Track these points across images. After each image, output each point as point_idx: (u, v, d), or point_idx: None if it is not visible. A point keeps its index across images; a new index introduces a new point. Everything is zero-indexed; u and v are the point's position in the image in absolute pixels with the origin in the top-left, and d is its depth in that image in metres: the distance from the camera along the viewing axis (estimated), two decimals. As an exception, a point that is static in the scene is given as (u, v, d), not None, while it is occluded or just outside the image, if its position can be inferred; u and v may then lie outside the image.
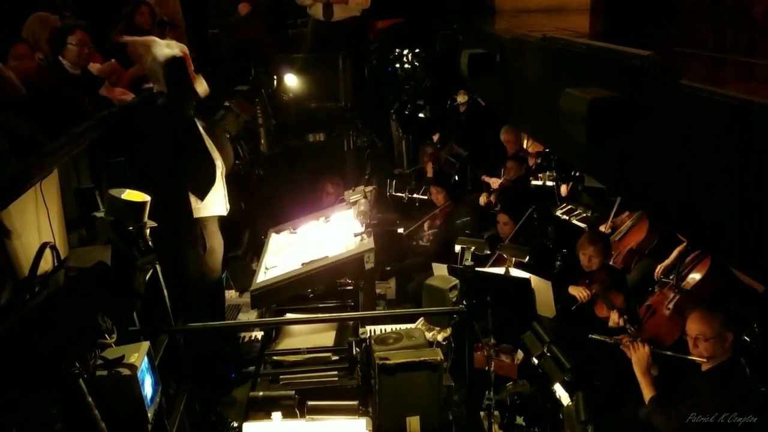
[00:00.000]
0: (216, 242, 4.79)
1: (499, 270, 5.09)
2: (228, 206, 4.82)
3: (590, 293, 4.94)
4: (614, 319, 4.63)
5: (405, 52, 9.19)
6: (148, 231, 3.34)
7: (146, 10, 6.49)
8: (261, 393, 3.79)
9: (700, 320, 3.65)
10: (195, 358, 4.24)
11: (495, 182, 7.20)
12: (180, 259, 4.34)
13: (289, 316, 4.73)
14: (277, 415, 3.54)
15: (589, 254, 5.08)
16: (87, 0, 6.52)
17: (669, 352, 3.98)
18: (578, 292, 5.03)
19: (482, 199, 7.14)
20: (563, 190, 6.43)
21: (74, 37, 4.72)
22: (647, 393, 3.87)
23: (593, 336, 4.40)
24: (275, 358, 4.16)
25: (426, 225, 7.19)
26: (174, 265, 4.29)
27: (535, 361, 3.97)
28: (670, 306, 4.58)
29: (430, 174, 8.05)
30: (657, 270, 5.03)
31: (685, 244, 4.92)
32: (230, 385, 4.63)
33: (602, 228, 5.83)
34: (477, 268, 4.34)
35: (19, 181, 2.93)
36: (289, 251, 4.95)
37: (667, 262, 5.01)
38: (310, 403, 3.63)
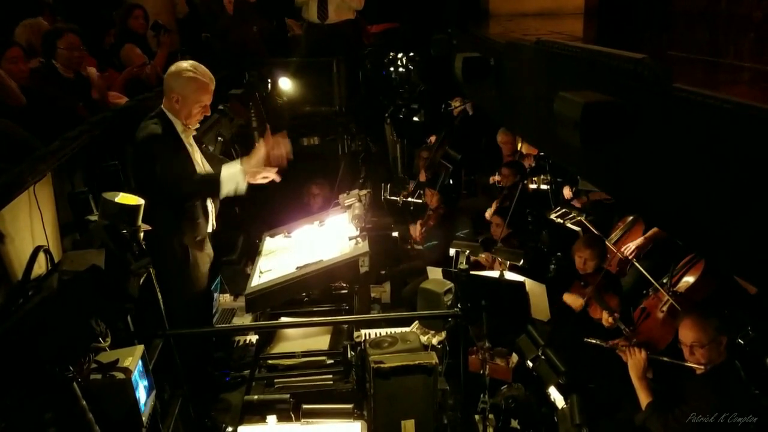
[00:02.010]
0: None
1: (494, 273, 5.10)
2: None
3: (584, 301, 4.96)
4: (606, 318, 4.65)
5: (399, 56, 9.21)
6: (142, 235, 3.34)
7: (140, 14, 6.48)
8: (256, 397, 3.79)
9: (694, 327, 3.65)
10: (189, 362, 4.23)
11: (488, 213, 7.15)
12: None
13: (284, 320, 4.72)
14: (272, 419, 3.54)
15: (585, 257, 5.11)
16: (78, 4, 6.52)
17: (665, 358, 3.99)
18: (572, 300, 5.05)
19: (488, 213, 7.07)
20: (566, 192, 6.43)
21: (63, 41, 4.71)
22: (644, 398, 3.87)
23: (589, 340, 4.42)
24: (270, 361, 4.16)
25: (419, 224, 7.20)
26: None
27: (530, 364, 3.98)
28: (664, 309, 4.59)
29: (422, 178, 8.06)
30: (627, 248, 5.07)
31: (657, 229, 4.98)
32: (225, 389, 4.62)
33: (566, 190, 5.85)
34: (472, 272, 4.34)
35: (12, 185, 2.92)
36: (284, 255, 4.94)
37: (639, 241, 5.04)
38: (305, 406, 3.63)
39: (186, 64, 4.16)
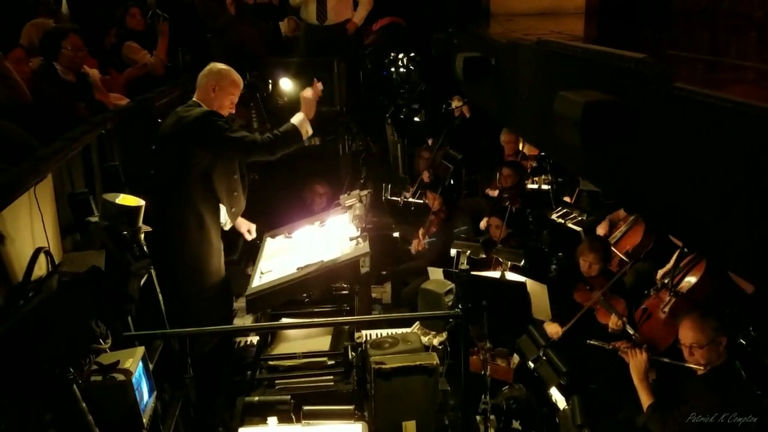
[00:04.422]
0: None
1: (495, 274, 5.09)
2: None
3: (561, 331, 4.94)
4: (615, 321, 4.62)
5: (400, 56, 9.20)
6: (142, 236, 3.33)
7: (136, 12, 6.47)
8: (257, 398, 3.78)
9: (693, 328, 3.65)
10: (193, 362, 4.23)
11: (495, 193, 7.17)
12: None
13: (285, 320, 4.71)
14: (272, 420, 3.52)
15: (590, 261, 5.09)
16: (81, 3, 6.52)
17: (666, 359, 3.98)
18: (551, 328, 4.99)
19: (483, 224, 7.04)
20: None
21: (68, 41, 4.70)
22: (645, 399, 3.86)
23: (591, 341, 4.41)
24: (271, 362, 4.15)
25: (421, 232, 7.18)
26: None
27: (531, 365, 3.97)
28: (666, 309, 4.58)
29: (426, 179, 8.05)
30: (659, 275, 5.03)
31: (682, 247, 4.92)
32: (226, 390, 4.61)
33: (600, 229, 5.83)
34: (472, 272, 4.33)
35: (12, 186, 2.92)
36: (285, 256, 4.94)
37: (668, 266, 5.01)
38: (305, 407, 3.62)
39: (221, 64, 4.60)
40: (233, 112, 4.68)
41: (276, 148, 4.50)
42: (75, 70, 4.81)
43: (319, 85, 4.86)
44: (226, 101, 4.53)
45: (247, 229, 5.10)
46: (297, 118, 4.59)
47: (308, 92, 4.76)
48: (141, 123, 5.02)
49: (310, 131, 4.65)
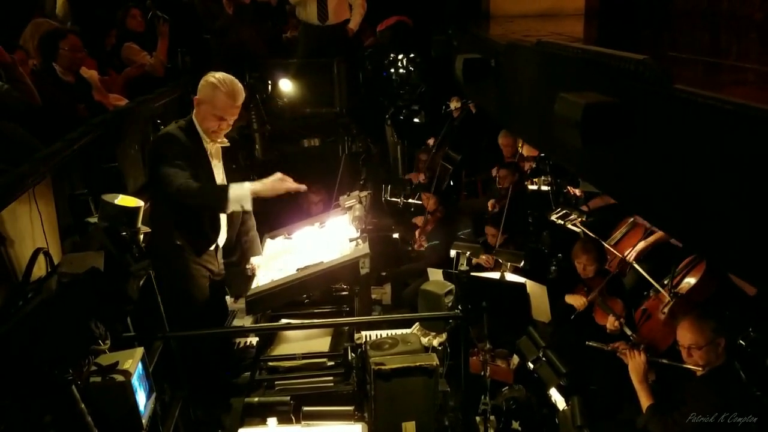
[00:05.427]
0: None
1: (495, 275, 5.09)
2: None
3: (587, 300, 4.95)
4: (612, 322, 4.63)
5: (400, 57, 9.20)
6: (141, 237, 3.33)
7: (137, 13, 6.49)
8: (256, 399, 3.77)
9: (691, 329, 3.65)
10: (192, 364, 4.22)
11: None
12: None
13: (285, 321, 4.71)
14: (272, 421, 3.52)
15: (583, 263, 5.10)
16: (82, 4, 6.52)
17: (665, 360, 3.99)
18: (575, 300, 5.04)
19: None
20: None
21: (66, 42, 4.70)
22: (645, 401, 3.86)
23: (590, 343, 4.41)
24: (270, 363, 4.14)
25: (417, 231, 7.19)
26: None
27: (531, 366, 3.97)
28: (665, 311, 4.58)
29: (415, 180, 8.07)
30: (629, 252, 5.05)
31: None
32: (226, 392, 4.61)
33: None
34: (472, 273, 4.33)
35: (12, 187, 2.92)
36: (285, 257, 4.93)
37: (642, 245, 5.03)
38: (305, 408, 3.61)
39: (217, 74, 4.16)
40: (226, 130, 4.29)
41: (189, 199, 4.06)
42: (74, 71, 4.81)
43: (299, 187, 4.33)
44: (210, 117, 4.11)
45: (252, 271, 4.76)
46: (238, 190, 4.05)
47: (283, 179, 4.24)
48: (139, 123, 5.02)
49: (248, 208, 4.13)
